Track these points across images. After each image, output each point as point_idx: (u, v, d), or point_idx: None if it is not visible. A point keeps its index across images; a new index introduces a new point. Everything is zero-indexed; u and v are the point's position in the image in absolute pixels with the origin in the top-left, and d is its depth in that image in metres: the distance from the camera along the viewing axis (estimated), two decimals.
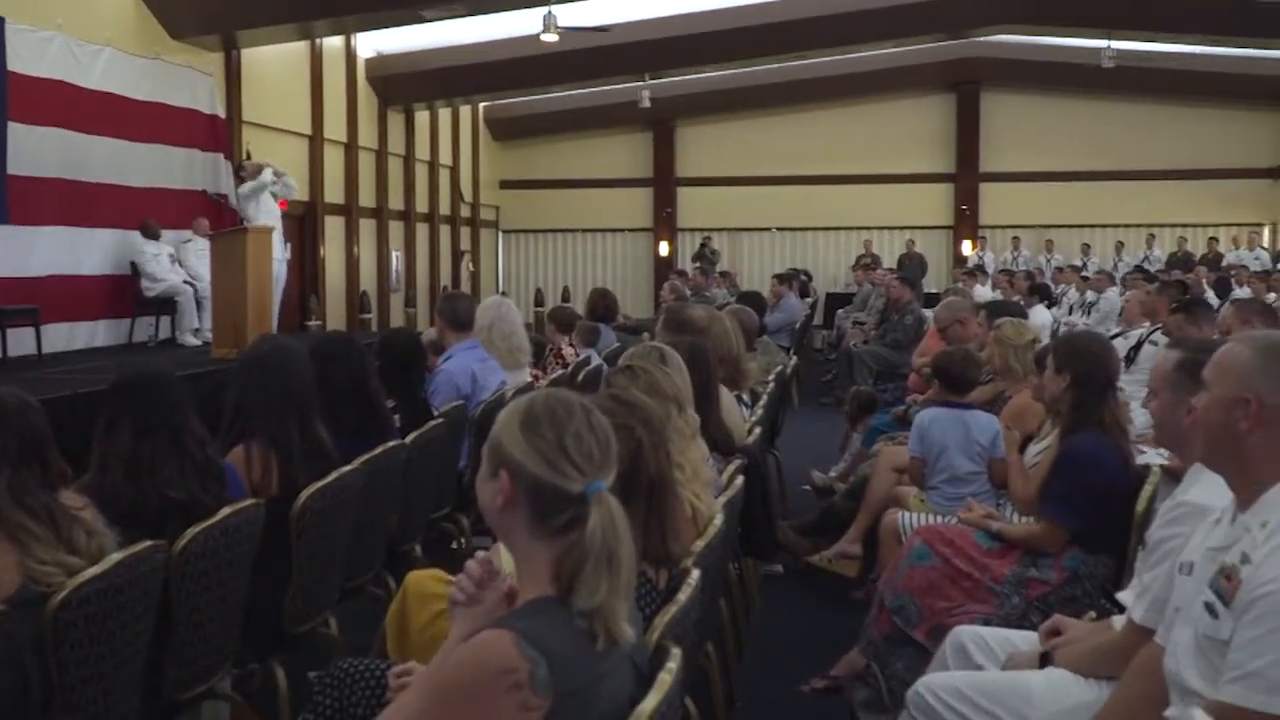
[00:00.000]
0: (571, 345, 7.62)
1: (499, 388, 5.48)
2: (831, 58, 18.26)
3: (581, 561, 1.79)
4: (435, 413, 4.96)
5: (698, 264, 19.11)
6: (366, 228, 16.18)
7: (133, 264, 10.57)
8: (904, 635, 3.66)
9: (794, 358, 9.43)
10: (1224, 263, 17.51)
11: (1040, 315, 10.08)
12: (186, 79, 11.79)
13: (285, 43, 13.62)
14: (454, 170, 19.16)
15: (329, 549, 3.58)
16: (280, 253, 10.40)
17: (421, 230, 18.06)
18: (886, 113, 20.76)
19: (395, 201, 17.03)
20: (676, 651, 1.98)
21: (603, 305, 8.74)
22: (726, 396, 4.58)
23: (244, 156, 12.19)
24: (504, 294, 14.84)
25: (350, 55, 15.61)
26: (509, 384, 5.64)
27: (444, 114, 18.65)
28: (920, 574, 3.71)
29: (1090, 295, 13.63)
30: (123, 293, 10.62)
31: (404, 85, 16.62)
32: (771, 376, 6.49)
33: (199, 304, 10.49)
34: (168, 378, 3.30)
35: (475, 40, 15.95)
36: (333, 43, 15.02)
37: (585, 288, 14.01)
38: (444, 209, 18.85)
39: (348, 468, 3.65)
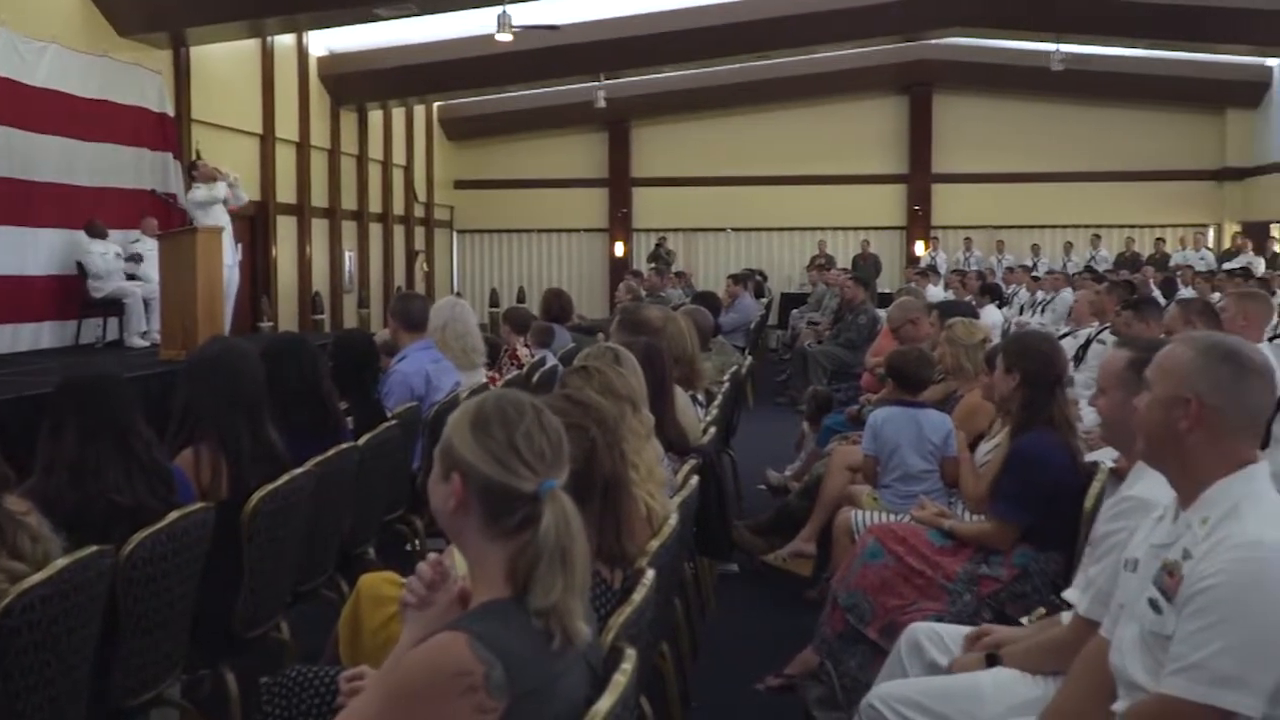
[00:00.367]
0: (527, 346, 7.60)
1: (453, 389, 5.46)
2: (786, 59, 18.35)
3: (536, 560, 1.79)
4: (389, 414, 4.92)
5: (653, 264, 19.15)
6: (319, 228, 16.04)
7: (79, 264, 10.40)
8: (857, 633, 3.68)
9: (749, 358, 9.47)
10: (1171, 263, 17.81)
11: (991, 315, 10.19)
12: (135, 77, 11.61)
13: (236, 40, 13.46)
14: (408, 170, 19.04)
15: (280, 552, 3.54)
16: (231, 258, 10.27)
17: (375, 230, 17.94)
18: (840, 114, 20.90)
19: (348, 201, 16.90)
20: (631, 653, 1.98)
21: (557, 305, 8.72)
22: (681, 397, 4.59)
23: (194, 156, 12.02)
24: (459, 294, 14.78)
25: (302, 53, 15.45)
26: (463, 385, 5.61)
27: (398, 113, 18.53)
28: (873, 572, 3.74)
29: (1040, 295, 13.81)
30: (69, 294, 10.43)
31: (357, 84, 16.49)
32: (726, 376, 6.51)
33: (147, 305, 10.34)
34: (114, 379, 3.26)
35: (429, 39, 15.87)
36: (284, 41, 14.86)
37: (541, 288, 13.96)
38: (398, 209, 18.73)
39: (299, 470, 3.62)
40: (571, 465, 1.92)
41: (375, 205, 17.84)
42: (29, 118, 9.95)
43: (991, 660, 2.77)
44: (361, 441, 4.31)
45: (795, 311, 15.60)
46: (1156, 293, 12.41)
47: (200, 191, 10.24)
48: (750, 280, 14.55)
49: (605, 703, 1.79)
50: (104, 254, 10.40)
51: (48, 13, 10.40)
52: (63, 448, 3.05)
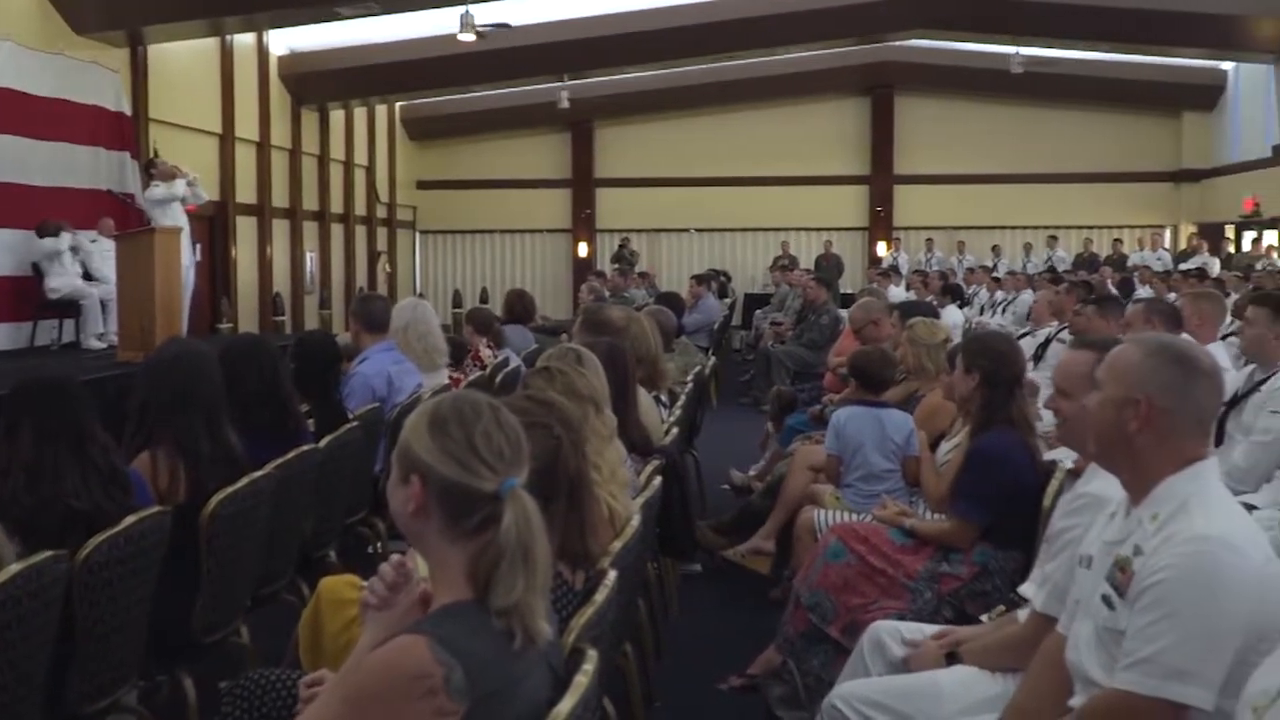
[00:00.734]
0: (489, 347, 7.56)
1: (415, 390, 5.43)
2: (748, 60, 18.41)
3: (497, 559, 1.78)
4: (350, 416, 4.89)
5: (616, 265, 19.14)
6: (280, 228, 15.89)
7: (35, 266, 10.24)
8: (819, 632, 3.70)
9: (712, 358, 9.48)
10: (1129, 263, 18.03)
11: (952, 315, 10.27)
12: (91, 75, 11.44)
13: (195, 39, 13.31)
14: (370, 170, 18.91)
15: (240, 556, 3.51)
16: (189, 259, 10.16)
17: (336, 231, 17.80)
18: (803, 116, 20.99)
19: (309, 202, 16.75)
20: (593, 654, 1.98)
21: (520, 306, 8.69)
22: (644, 397, 4.59)
23: (151, 155, 11.88)
24: (421, 295, 14.70)
25: (262, 53, 15.30)
26: (426, 386, 5.58)
27: (359, 113, 18.40)
28: (835, 571, 3.75)
29: (1001, 295, 13.94)
30: (24, 295, 10.27)
31: (318, 84, 16.36)
32: (690, 377, 6.52)
33: (104, 307, 10.20)
34: (70, 382, 3.22)
35: (391, 39, 15.76)
36: (244, 40, 14.71)
37: (504, 289, 13.89)
38: (359, 209, 18.60)
39: (259, 472, 3.58)
40: (536, 465, 1.92)
41: (337, 205, 17.70)
42: None
43: (951, 658, 2.80)
44: (323, 443, 4.28)
45: (759, 312, 15.64)
46: (1114, 293, 12.55)
47: (159, 189, 10.10)
48: (714, 281, 14.58)
49: (566, 704, 1.79)
50: (58, 251, 10.22)
51: (2, 10, 10.23)
52: (17, 451, 3.02)
